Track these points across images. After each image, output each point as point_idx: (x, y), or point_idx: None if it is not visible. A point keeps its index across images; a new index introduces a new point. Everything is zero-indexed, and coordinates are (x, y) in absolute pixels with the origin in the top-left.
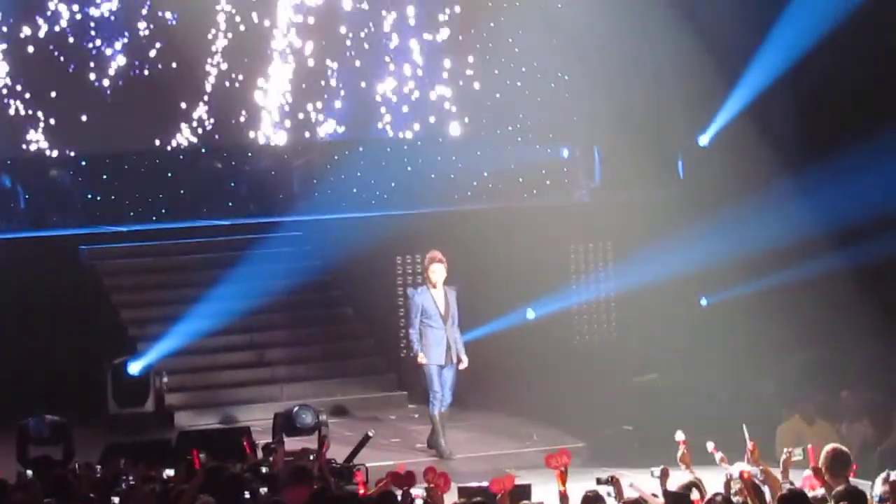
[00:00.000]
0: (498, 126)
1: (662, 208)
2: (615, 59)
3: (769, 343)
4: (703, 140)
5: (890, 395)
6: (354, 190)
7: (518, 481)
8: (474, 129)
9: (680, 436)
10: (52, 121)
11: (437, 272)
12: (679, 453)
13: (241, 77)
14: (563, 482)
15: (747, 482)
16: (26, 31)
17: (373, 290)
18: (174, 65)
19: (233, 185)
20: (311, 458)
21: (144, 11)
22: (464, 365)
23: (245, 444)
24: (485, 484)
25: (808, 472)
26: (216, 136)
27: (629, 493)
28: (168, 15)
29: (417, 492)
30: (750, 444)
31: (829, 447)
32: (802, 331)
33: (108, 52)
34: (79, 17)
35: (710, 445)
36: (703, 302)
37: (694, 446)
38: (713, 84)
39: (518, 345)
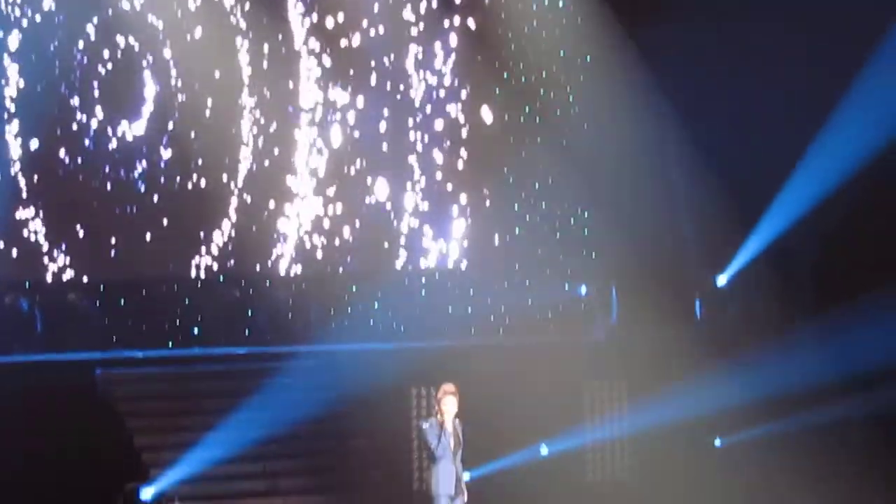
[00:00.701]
0: (517, 261)
1: (678, 349)
2: (635, 197)
3: (783, 486)
4: (722, 280)
5: None
6: (371, 322)
7: None
8: (490, 263)
9: None
10: (72, 245)
11: (450, 405)
12: None
13: (263, 205)
14: None
15: None
16: (48, 150)
17: (388, 422)
18: (197, 189)
19: (251, 313)
20: None
21: (167, 137)
22: (464, 499)
23: None
24: None
25: None
26: (234, 263)
27: None
28: (192, 136)
29: None
30: None
31: None
32: (816, 477)
33: (132, 175)
34: (101, 138)
35: None
36: (717, 443)
37: None
38: (733, 224)
39: (530, 482)
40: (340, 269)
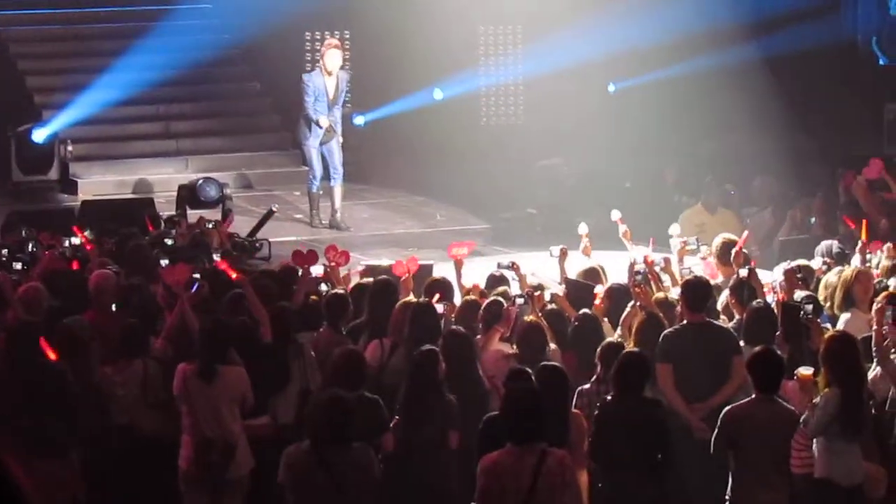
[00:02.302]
0: None
1: None
2: None
3: (675, 131)
4: None
5: (793, 186)
6: None
7: (421, 261)
8: None
9: (616, 215)
10: None
11: (332, 58)
12: (582, 245)
13: None
14: (460, 273)
15: (650, 266)
16: None
17: (281, 66)
18: None
19: None
20: (210, 226)
21: None
22: (339, 139)
23: (146, 217)
24: (388, 263)
25: (709, 260)
26: None
27: (531, 281)
28: None
29: (318, 270)
30: (623, 229)
31: (719, 238)
32: (709, 120)
33: None
34: None
35: (615, 214)
36: (612, 88)
37: (598, 230)
38: None
39: (424, 125)
40: None
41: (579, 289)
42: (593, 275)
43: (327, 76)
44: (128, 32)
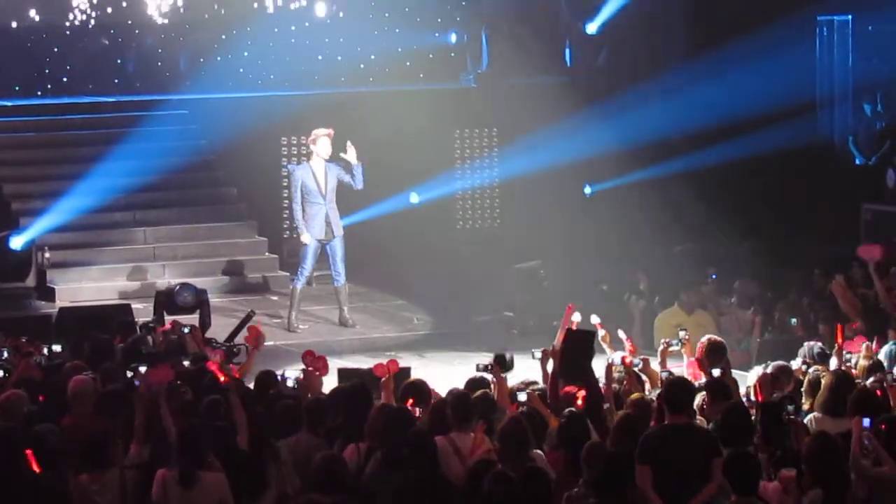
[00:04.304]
0: (387, 9)
1: (549, 96)
2: None
3: (652, 233)
4: (591, 28)
5: (772, 287)
6: (241, 70)
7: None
8: (362, 10)
9: (595, 319)
10: None
11: (321, 146)
12: (600, 334)
13: None
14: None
15: (628, 367)
16: None
17: (258, 170)
18: None
19: (119, 61)
20: (186, 331)
21: None
22: (339, 242)
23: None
24: (366, 366)
25: (690, 359)
26: (105, 11)
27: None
28: None
29: (293, 374)
30: (602, 332)
31: (705, 338)
32: (686, 221)
33: None
34: None
35: (594, 319)
36: (588, 190)
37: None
38: None
39: (401, 229)
40: (206, 16)
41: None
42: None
43: (315, 165)
44: (105, 139)
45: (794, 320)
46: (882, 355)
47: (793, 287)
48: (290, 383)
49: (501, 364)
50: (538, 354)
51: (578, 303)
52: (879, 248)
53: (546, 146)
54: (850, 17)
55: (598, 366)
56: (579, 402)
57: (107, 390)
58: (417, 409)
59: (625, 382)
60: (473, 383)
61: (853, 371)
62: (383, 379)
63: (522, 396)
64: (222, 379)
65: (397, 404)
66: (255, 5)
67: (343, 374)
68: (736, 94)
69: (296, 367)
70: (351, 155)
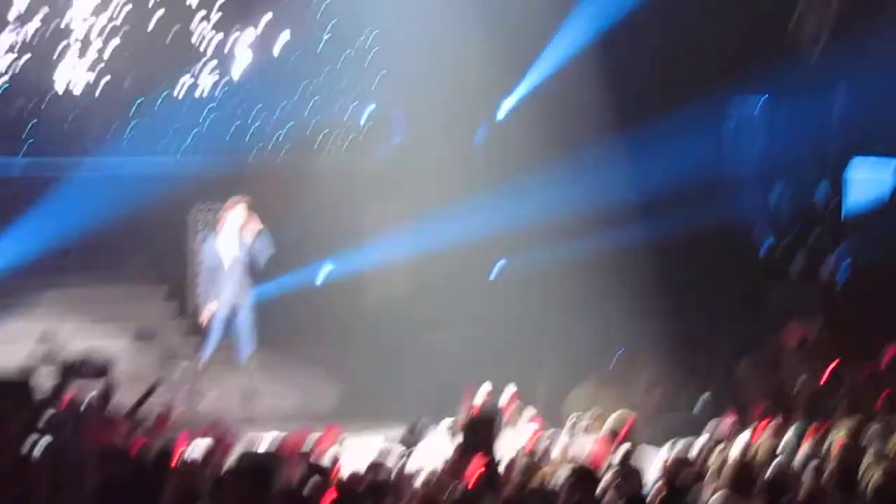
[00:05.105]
0: (302, 80)
1: (462, 172)
2: (422, 19)
3: (560, 310)
4: (506, 106)
5: (677, 369)
6: (153, 137)
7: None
8: (277, 80)
9: (509, 390)
10: None
11: (234, 216)
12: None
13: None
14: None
15: (535, 440)
16: None
17: (168, 237)
18: None
19: (31, 126)
20: (88, 400)
21: None
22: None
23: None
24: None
25: (599, 436)
26: (17, 74)
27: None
28: None
29: (202, 443)
30: (513, 406)
31: (614, 414)
32: (594, 300)
33: None
34: None
35: (507, 391)
36: (498, 265)
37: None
38: (519, 49)
39: (312, 300)
40: (125, 83)
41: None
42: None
43: (224, 236)
44: (13, 202)
45: (702, 399)
46: (787, 437)
47: (700, 367)
48: (196, 454)
49: (411, 435)
50: (448, 424)
51: (486, 375)
52: (799, 330)
53: (457, 221)
54: (761, 99)
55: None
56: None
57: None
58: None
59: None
60: (380, 455)
61: (759, 451)
62: (289, 456)
63: None
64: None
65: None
66: (170, 74)
67: (245, 457)
68: (646, 175)
69: (203, 436)
70: (256, 226)
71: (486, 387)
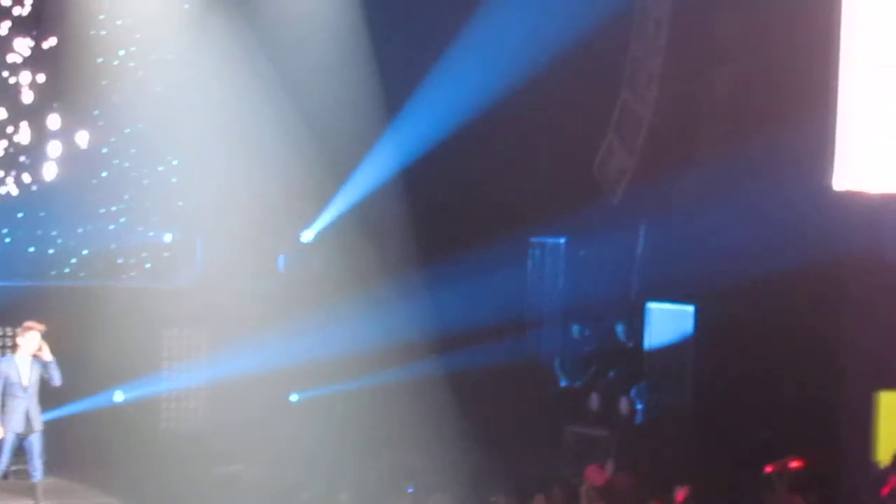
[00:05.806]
0: (101, 204)
1: (262, 301)
2: (223, 149)
3: (355, 443)
4: (307, 236)
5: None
6: None
7: None
8: (76, 202)
9: None
10: None
11: (25, 340)
12: None
13: None
14: None
15: None
16: None
17: None
18: None
19: None
20: None
21: None
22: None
23: None
24: None
25: None
26: None
27: None
28: None
29: None
30: None
31: None
32: (390, 433)
33: None
34: None
35: None
36: (294, 398)
37: None
38: (321, 181)
39: (105, 427)
40: None
41: None
42: None
43: (19, 358)
44: None
45: None
46: None
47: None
48: None
49: None
50: None
51: None
52: (602, 472)
53: (255, 351)
54: (562, 240)
55: None
56: None
57: None
58: None
59: None
60: None
61: None
62: None
63: None
64: None
65: None
66: None
67: None
68: (447, 310)
69: None
70: (45, 352)
71: None
